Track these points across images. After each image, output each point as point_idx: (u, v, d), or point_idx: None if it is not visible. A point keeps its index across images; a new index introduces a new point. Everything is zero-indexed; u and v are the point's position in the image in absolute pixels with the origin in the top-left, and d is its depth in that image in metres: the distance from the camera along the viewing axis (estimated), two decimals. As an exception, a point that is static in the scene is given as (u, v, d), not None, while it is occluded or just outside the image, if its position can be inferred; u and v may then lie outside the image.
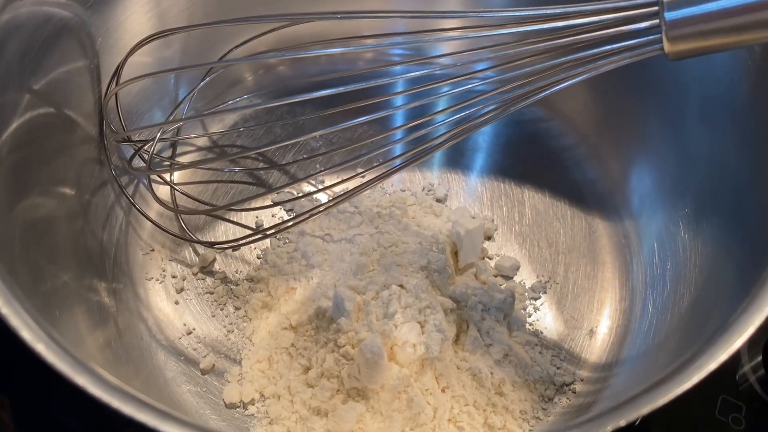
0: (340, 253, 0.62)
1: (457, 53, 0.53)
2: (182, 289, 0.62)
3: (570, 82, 0.48)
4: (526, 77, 0.49)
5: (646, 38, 0.43)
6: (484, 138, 0.72)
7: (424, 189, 0.68)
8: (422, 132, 0.54)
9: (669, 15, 0.41)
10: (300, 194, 0.67)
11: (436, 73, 0.56)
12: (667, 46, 0.42)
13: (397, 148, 0.64)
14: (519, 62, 0.49)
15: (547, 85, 0.49)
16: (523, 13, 0.47)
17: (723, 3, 0.40)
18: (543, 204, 0.67)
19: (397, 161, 0.58)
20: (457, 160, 0.70)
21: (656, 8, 0.42)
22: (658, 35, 0.42)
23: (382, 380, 0.51)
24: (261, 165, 0.69)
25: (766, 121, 0.44)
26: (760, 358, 0.62)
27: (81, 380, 0.37)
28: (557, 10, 0.45)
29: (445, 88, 0.54)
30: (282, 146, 0.69)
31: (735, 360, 0.62)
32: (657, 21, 0.42)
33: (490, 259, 0.64)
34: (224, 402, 0.56)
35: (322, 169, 0.68)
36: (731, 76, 0.49)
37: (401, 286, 0.55)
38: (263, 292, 0.61)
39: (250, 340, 0.59)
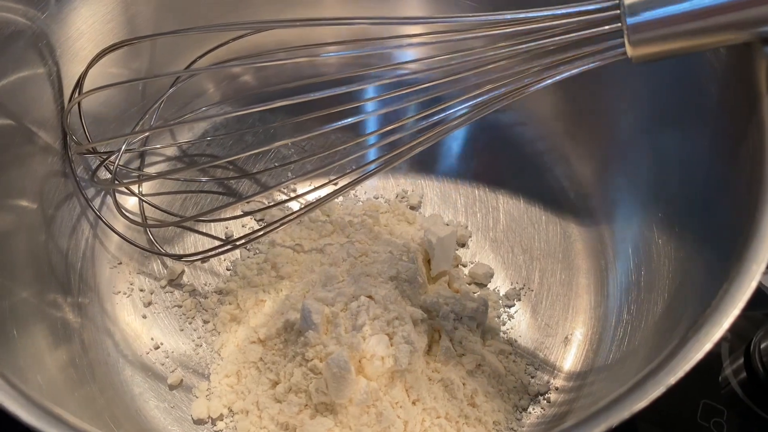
0: (310, 263, 0.61)
1: (423, 59, 0.52)
2: (150, 303, 0.61)
3: (535, 87, 0.47)
4: (492, 83, 0.48)
5: (608, 42, 0.42)
6: (458, 143, 0.71)
7: (397, 196, 0.67)
8: (394, 137, 0.53)
9: (630, 19, 0.40)
10: (271, 203, 0.65)
11: (405, 78, 0.55)
12: (629, 50, 0.42)
13: (371, 154, 0.63)
14: (484, 68, 0.48)
15: (513, 90, 0.48)
16: (484, 19, 0.46)
17: (683, 6, 0.39)
18: (517, 209, 0.66)
19: (371, 166, 0.57)
20: (432, 166, 0.69)
21: (618, 12, 0.41)
22: (621, 39, 0.41)
23: (350, 394, 0.50)
24: (231, 174, 0.68)
25: (735, 122, 0.44)
26: (741, 360, 0.61)
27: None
28: (518, 15, 0.44)
29: (414, 94, 0.54)
30: (253, 155, 0.68)
31: (716, 364, 0.61)
32: (619, 25, 0.41)
33: (464, 266, 0.63)
34: (192, 418, 0.55)
35: (293, 177, 0.67)
36: (699, 79, 0.48)
37: (370, 297, 0.54)
38: (232, 304, 0.59)
39: (219, 354, 0.58)
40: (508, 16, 0.44)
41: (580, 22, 0.43)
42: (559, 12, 0.44)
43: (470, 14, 0.47)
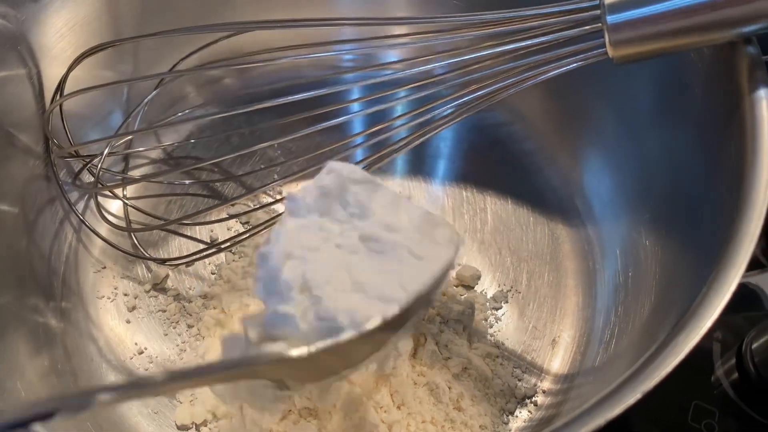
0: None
1: (407, 60, 0.51)
2: (134, 308, 0.60)
3: (518, 87, 0.46)
4: (476, 83, 0.48)
5: (590, 42, 0.42)
6: (446, 144, 0.70)
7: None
8: (381, 137, 0.53)
9: (611, 18, 0.40)
10: (257, 206, 0.65)
11: (390, 78, 0.54)
12: (610, 50, 0.41)
13: (357, 155, 0.62)
14: (468, 68, 0.48)
15: (496, 90, 0.47)
16: (465, 19, 0.45)
17: (664, 6, 0.39)
18: (505, 210, 0.66)
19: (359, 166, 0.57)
20: (419, 167, 0.69)
21: (598, 12, 0.41)
22: (602, 39, 0.41)
23: (333, 400, 0.49)
24: (217, 176, 0.68)
25: (718, 123, 0.43)
26: (733, 361, 0.61)
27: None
28: (499, 15, 0.44)
29: (400, 93, 0.53)
30: (239, 156, 0.68)
31: (708, 364, 0.61)
32: (599, 25, 0.41)
33: (452, 269, 0.63)
34: (176, 423, 0.54)
35: (279, 179, 0.66)
36: (684, 79, 0.48)
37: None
38: (216, 309, 0.59)
39: (203, 359, 0.57)
40: (489, 16, 0.44)
41: (561, 22, 0.43)
42: (540, 12, 0.44)
43: (452, 15, 0.46)
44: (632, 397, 0.33)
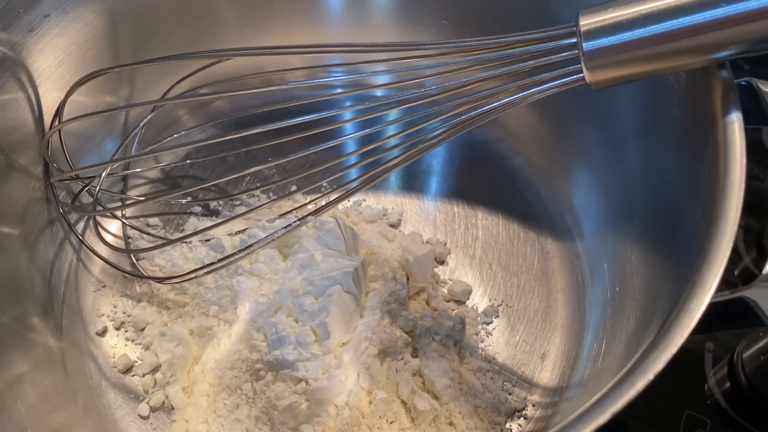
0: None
1: (393, 84, 0.53)
2: (133, 324, 0.61)
3: (502, 111, 0.47)
4: (462, 106, 0.49)
5: (567, 68, 0.43)
6: (437, 160, 0.72)
7: (378, 214, 0.68)
8: (374, 158, 0.54)
9: (586, 45, 0.41)
10: (251, 226, 0.66)
11: (380, 101, 0.55)
12: (588, 76, 0.42)
13: (351, 174, 0.63)
14: (453, 91, 0.49)
15: (481, 114, 0.49)
16: (448, 46, 0.47)
17: (637, 33, 0.40)
18: (496, 226, 0.67)
19: (351, 185, 0.58)
20: (412, 183, 0.70)
21: (575, 39, 0.42)
22: (579, 65, 0.42)
23: (326, 420, 0.51)
24: (213, 195, 0.69)
25: (695, 145, 0.44)
26: (725, 371, 0.61)
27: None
28: (480, 42, 0.45)
29: (391, 115, 0.54)
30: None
31: (700, 375, 0.62)
32: (576, 52, 0.42)
33: (444, 284, 0.64)
34: (172, 439, 0.55)
35: (275, 197, 0.68)
36: (663, 101, 0.49)
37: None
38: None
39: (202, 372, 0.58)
40: (469, 43, 0.45)
41: (540, 49, 0.44)
42: (520, 38, 0.45)
43: (438, 42, 0.48)
44: (602, 417, 0.34)
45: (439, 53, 0.48)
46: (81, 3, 0.59)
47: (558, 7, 0.59)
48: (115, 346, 0.61)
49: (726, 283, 0.62)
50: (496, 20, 0.63)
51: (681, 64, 0.41)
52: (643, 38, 0.39)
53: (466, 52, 0.46)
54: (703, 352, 0.63)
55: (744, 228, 0.66)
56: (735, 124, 0.40)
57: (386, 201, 0.70)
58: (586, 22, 0.41)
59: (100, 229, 0.64)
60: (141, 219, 0.67)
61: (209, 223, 0.66)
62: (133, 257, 0.64)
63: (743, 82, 0.53)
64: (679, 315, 0.36)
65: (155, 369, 0.59)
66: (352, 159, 0.58)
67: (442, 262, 0.65)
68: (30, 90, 0.59)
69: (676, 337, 0.35)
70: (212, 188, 0.69)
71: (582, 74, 0.43)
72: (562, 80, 0.44)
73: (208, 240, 0.64)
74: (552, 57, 0.43)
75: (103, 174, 0.61)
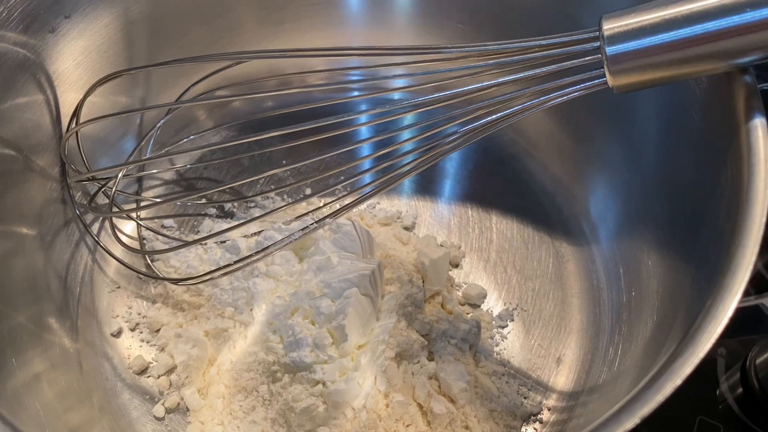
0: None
1: (411, 87, 0.53)
2: (148, 325, 0.61)
3: (521, 115, 0.47)
4: (480, 110, 0.49)
5: (590, 73, 0.43)
6: (452, 164, 0.72)
7: (392, 217, 0.68)
8: (390, 161, 0.54)
9: (610, 50, 0.41)
10: (267, 228, 0.66)
11: (397, 104, 0.56)
12: (610, 80, 0.42)
13: (366, 177, 0.63)
14: (471, 96, 0.49)
15: (500, 118, 0.49)
16: (468, 50, 0.47)
17: (661, 38, 0.40)
18: (510, 230, 0.67)
19: (366, 189, 0.58)
20: (426, 187, 0.70)
21: (598, 44, 0.42)
22: (602, 70, 0.42)
23: (345, 423, 0.51)
24: (227, 197, 0.69)
25: (716, 150, 0.44)
26: (737, 377, 0.61)
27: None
28: (502, 46, 0.45)
29: (407, 118, 0.54)
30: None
31: (713, 380, 0.62)
32: (599, 56, 0.42)
33: (459, 288, 0.64)
34: (188, 441, 0.55)
35: (291, 200, 0.68)
36: (684, 106, 0.49)
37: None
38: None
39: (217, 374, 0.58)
40: (491, 47, 0.45)
41: (562, 53, 0.44)
42: (542, 43, 0.45)
43: (456, 45, 0.48)
44: (631, 421, 0.34)
45: (460, 56, 0.48)
46: (100, 4, 0.59)
47: (574, 11, 0.59)
48: (130, 347, 0.61)
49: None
50: (513, 24, 0.63)
51: (704, 69, 0.41)
52: (666, 43, 0.39)
53: (487, 55, 0.46)
54: (716, 358, 0.63)
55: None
56: (759, 129, 0.40)
57: (400, 204, 0.70)
58: (610, 26, 0.41)
59: (115, 230, 0.63)
60: (156, 220, 0.67)
61: (224, 225, 0.66)
62: (148, 258, 0.64)
63: (767, 87, 0.53)
64: (705, 320, 0.36)
65: (170, 370, 0.59)
66: (368, 163, 0.58)
67: (456, 266, 0.65)
68: (49, 92, 0.59)
69: (704, 342, 0.35)
70: (227, 190, 0.69)
71: (604, 78, 0.43)
72: (584, 84, 0.44)
73: (224, 242, 0.64)
74: (575, 61, 0.43)
75: (119, 175, 0.61)
